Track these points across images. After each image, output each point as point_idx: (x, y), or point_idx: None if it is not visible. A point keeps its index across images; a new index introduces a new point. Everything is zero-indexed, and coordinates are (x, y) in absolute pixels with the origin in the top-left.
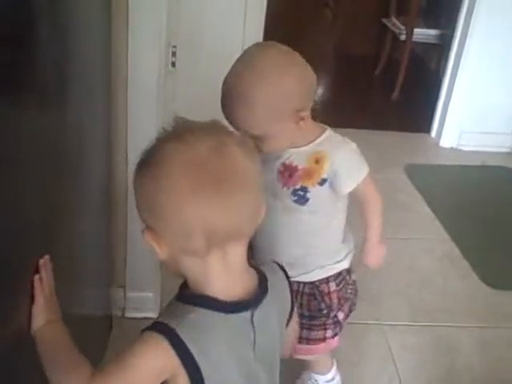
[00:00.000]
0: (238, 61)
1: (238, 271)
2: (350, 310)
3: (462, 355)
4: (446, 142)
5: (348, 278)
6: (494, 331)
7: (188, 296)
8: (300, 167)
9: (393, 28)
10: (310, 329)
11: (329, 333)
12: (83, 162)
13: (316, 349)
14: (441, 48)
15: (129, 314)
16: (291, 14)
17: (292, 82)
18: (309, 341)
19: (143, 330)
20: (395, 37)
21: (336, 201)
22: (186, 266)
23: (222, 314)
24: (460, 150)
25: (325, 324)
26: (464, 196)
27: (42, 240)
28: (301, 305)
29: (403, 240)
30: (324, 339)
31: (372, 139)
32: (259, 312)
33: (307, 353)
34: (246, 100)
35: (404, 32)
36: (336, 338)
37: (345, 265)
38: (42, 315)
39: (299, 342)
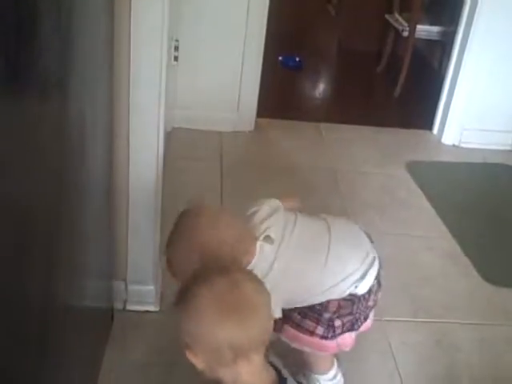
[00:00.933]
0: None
1: (262, 372)
2: (353, 326)
3: (462, 352)
4: (447, 139)
5: (365, 297)
6: (494, 328)
7: None
8: None
9: (396, 24)
10: (304, 316)
11: (319, 329)
12: (85, 155)
13: (301, 338)
14: (443, 45)
15: (130, 307)
16: (294, 10)
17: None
18: (298, 327)
19: None
20: (398, 33)
21: None
22: (220, 374)
23: None
24: (462, 148)
25: (318, 320)
26: (465, 193)
27: (44, 233)
28: None
29: (404, 236)
30: (312, 333)
31: (374, 136)
32: None
33: (292, 338)
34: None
35: (407, 28)
36: (328, 342)
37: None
38: None
39: (290, 325)
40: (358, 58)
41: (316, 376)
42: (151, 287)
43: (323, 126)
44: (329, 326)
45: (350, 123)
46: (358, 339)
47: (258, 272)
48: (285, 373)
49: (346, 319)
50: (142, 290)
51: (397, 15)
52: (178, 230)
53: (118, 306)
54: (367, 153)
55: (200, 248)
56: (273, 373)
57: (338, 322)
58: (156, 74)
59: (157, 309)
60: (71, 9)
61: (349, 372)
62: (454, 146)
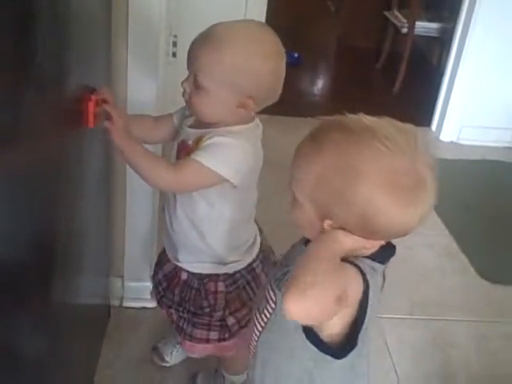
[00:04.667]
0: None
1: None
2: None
3: (459, 349)
4: (446, 135)
5: (251, 285)
6: (490, 325)
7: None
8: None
9: (395, 21)
10: (194, 326)
11: (213, 335)
12: (82, 152)
13: (199, 348)
14: (442, 42)
15: (127, 304)
16: (293, 6)
17: (268, 70)
18: (192, 338)
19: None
20: (397, 30)
21: (221, 191)
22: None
23: (377, 264)
24: (460, 144)
25: (209, 324)
26: (463, 190)
27: (42, 230)
28: (188, 299)
29: None
30: (208, 340)
31: None
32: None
33: (190, 350)
34: (222, 48)
35: (406, 25)
36: (228, 343)
37: (238, 267)
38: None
39: (183, 338)
40: (356, 55)
41: (231, 378)
42: (148, 284)
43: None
44: (222, 326)
45: None
46: None
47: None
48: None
49: (240, 314)
50: (139, 287)
51: (396, 12)
52: None
53: (115, 302)
54: None
55: None
56: None
57: (231, 320)
58: (153, 70)
59: (153, 305)
60: (68, 6)
61: None
62: (452, 142)
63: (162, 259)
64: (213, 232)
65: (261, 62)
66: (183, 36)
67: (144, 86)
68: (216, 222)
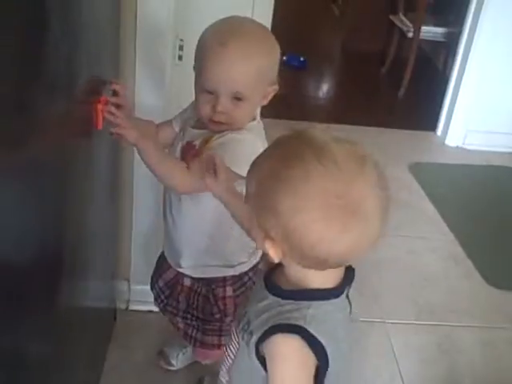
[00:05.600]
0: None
1: None
2: None
3: (465, 355)
4: (451, 140)
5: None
6: (496, 331)
7: (295, 293)
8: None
9: (400, 25)
10: (204, 333)
11: (225, 339)
12: (90, 157)
13: (212, 354)
14: (448, 46)
15: (133, 307)
16: (299, 10)
17: (277, 52)
18: (203, 344)
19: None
20: (402, 34)
21: None
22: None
23: (333, 301)
24: (465, 149)
25: (221, 330)
26: (469, 195)
27: (49, 234)
28: (196, 306)
29: (407, 238)
30: (219, 346)
31: (377, 137)
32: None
33: (204, 357)
34: (250, 55)
35: (411, 29)
36: None
37: (244, 268)
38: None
39: (194, 345)
40: (362, 59)
41: None
42: None
43: (326, 126)
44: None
45: (353, 124)
46: (360, 340)
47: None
48: None
49: None
50: (145, 290)
51: (401, 16)
52: None
53: (121, 305)
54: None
55: None
56: None
57: None
58: (160, 74)
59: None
60: (78, 12)
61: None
62: (457, 147)
63: (161, 267)
64: (222, 233)
65: (275, 45)
66: (190, 39)
67: (152, 89)
68: (226, 223)
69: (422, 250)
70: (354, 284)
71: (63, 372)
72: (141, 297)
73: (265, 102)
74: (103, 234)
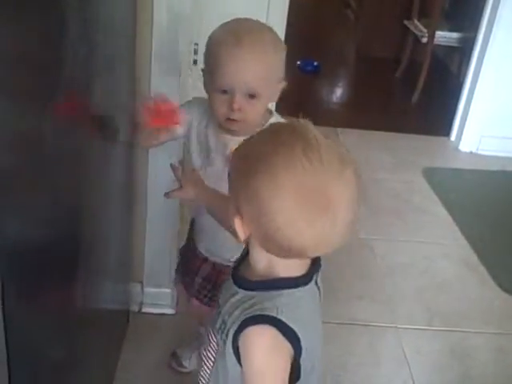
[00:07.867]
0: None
1: None
2: None
3: (477, 361)
4: (465, 146)
5: None
6: (510, 338)
7: (264, 283)
8: None
9: (415, 30)
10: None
11: None
12: (107, 160)
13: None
14: (462, 51)
15: (146, 310)
16: (313, 15)
17: (284, 49)
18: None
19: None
20: (417, 39)
21: None
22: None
23: (303, 288)
24: (479, 155)
25: None
26: (482, 201)
27: (65, 236)
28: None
29: (420, 243)
30: None
31: (391, 141)
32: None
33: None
34: (262, 53)
35: (426, 34)
36: None
37: None
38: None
39: (202, 302)
40: (376, 64)
41: None
42: (167, 290)
43: (340, 130)
44: None
45: (367, 128)
46: (372, 345)
47: None
48: None
49: None
50: (159, 293)
51: (416, 21)
52: None
53: (134, 308)
54: (384, 158)
55: None
56: None
57: None
58: (175, 78)
59: (173, 312)
60: (95, 17)
61: (363, 379)
62: (471, 153)
63: (193, 265)
64: None
65: (281, 42)
66: (204, 44)
67: (167, 93)
68: None
69: (434, 255)
70: (366, 289)
71: (76, 372)
72: (154, 299)
73: (275, 99)
74: (118, 237)
